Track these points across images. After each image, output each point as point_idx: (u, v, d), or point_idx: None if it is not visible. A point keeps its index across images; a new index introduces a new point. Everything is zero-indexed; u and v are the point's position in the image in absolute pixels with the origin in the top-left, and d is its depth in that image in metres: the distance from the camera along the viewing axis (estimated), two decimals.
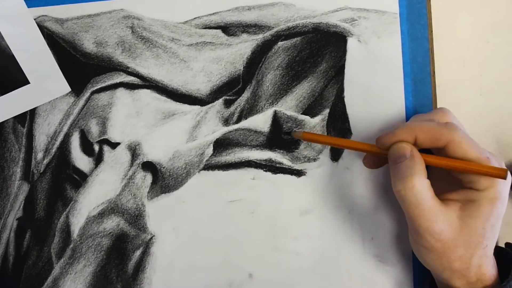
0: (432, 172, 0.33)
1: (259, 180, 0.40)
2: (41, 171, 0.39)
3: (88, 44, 0.39)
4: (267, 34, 0.39)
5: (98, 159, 0.39)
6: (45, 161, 0.39)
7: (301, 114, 0.40)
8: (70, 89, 0.39)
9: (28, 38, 0.38)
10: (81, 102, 0.39)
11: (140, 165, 0.39)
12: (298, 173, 0.40)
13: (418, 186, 0.30)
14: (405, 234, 0.40)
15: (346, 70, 0.39)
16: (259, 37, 0.39)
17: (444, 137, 0.31)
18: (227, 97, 0.40)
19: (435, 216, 0.31)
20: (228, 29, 0.39)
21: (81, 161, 0.39)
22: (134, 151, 0.39)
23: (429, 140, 0.32)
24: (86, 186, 0.39)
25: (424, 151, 0.33)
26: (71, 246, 0.39)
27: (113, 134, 0.39)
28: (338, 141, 0.36)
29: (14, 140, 0.39)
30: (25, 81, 0.38)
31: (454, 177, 0.33)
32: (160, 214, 0.39)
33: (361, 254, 0.39)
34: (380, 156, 0.35)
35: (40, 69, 0.38)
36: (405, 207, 0.32)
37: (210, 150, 0.39)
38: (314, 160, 0.40)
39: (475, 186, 0.31)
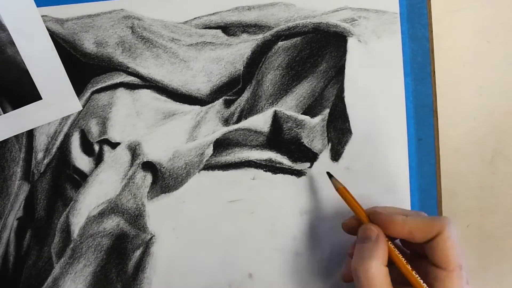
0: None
1: (259, 180, 0.40)
2: (41, 171, 0.39)
3: (88, 44, 0.39)
4: (267, 34, 0.39)
5: (98, 159, 0.39)
6: (46, 161, 0.39)
7: (301, 114, 0.40)
8: (81, 107, 0.39)
9: (43, 54, 0.38)
10: (81, 102, 0.39)
11: (140, 165, 0.39)
12: (298, 173, 0.40)
13: (373, 271, 0.31)
14: None
15: (346, 70, 0.39)
16: (259, 37, 0.39)
17: (435, 230, 0.31)
18: (227, 97, 0.40)
19: None
20: (228, 29, 0.39)
21: (81, 161, 0.40)
22: (134, 151, 0.39)
23: (421, 235, 0.31)
24: (86, 186, 0.39)
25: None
26: (71, 246, 0.39)
27: (113, 134, 0.40)
28: (357, 209, 0.35)
29: (14, 140, 0.39)
30: (38, 97, 0.38)
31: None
32: (160, 214, 0.39)
33: None
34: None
35: (53, 86, 0.38)
36: (357, 286, 0.32)
37: (210, 150, 0.39)
38: (314, 160, 0.40)
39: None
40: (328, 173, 0.38)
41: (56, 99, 0.39)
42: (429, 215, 0.33)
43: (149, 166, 0.39)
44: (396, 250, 0.33)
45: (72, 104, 0.39)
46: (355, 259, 0.32)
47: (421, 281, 0.31)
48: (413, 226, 0.32)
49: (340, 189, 0.36)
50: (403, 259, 0.32)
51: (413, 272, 0.32)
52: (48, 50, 0.38)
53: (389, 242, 0.33)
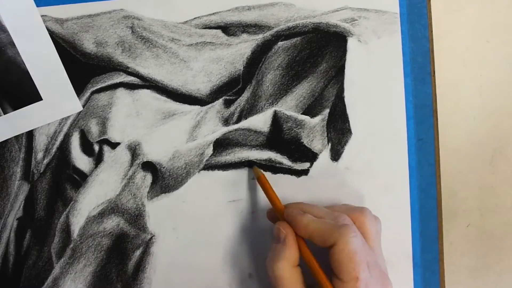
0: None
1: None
2: (41, 171, 0.39)
3: (88, 44, 0.39)
4: (267, 34, 0.39)
5: (98, 159, 0.39)
6: (45, 161, 0.39)
7: (301, 114, 0.40)
8: (82, 108, 0.39)
9: (43, 55, 0.38)
10: (81, 102, 0.39)
11: (140, 165, 0.39)
12: (298, 173, 0.40)
13: (280, 272, 0.32)
14: (406, 235, 0.40)
15: (346, 70, 0.39)
16: (259, 37, 0.39)
17: (332, 239, 0.31)
18: (227, 97, 0.40)
19: None
20: (228, 29, 0.39)
21: (81, 161, 0.39)
22: (134, 151, 0.39)
23: (320, 240, 0.32)
24: (86, 186, 0.39)
25: None
26: (71, 246, 0.39)
27: (113, 134, 0.40)
28: (273, 198, 0.36)
29: (14, 140, 0.39)
30: (38, 98, 0.38)
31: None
32: (160, 214, 0.39)
33: None
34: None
35: (53, 86, 0.38)
36: (271, 283, 0.33)
37: (210, 150, 0.39)
38: (314, 160, 0.40)
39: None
40: (249, 161, 0.39)
41: (57, 100, 0.39)
42: (359, 208, 0.34)
43: (149, 166, 0.39)
44: (308, 249, 0.33)
45: (72, 104, 0.39)
46: (268, 258, 0.33)
47: (328, 282, 0.31)
48: (314, 230, 0.32)
49: (260, 178, 0.37)
50: (314, 259, 0.32)
51: (322, 273, 0.31)
52: (48, 50, 0.38)
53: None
